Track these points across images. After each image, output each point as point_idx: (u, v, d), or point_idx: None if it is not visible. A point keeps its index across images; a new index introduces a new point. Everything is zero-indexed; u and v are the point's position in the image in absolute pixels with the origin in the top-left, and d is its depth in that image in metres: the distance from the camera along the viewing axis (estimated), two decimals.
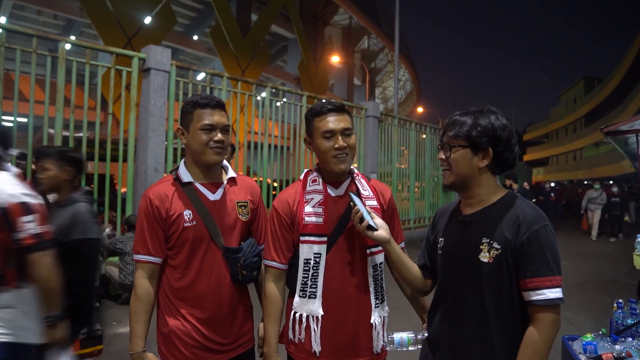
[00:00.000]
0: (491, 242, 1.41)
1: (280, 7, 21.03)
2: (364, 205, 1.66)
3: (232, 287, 1.80)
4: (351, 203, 1.63)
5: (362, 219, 1.58)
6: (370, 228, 1.58)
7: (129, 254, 5.25)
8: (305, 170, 1.89)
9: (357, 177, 1.85)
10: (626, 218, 13.34)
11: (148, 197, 1.76)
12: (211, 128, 1.74)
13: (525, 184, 11.28)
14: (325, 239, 1.72)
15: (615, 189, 13.50)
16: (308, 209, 1.74)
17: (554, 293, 1.33)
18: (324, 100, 1.86)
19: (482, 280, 1.41)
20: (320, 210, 1.74)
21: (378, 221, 1.62)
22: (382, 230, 1.60)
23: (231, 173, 1.90)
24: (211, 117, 1.74)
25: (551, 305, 1.34)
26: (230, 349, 1.81)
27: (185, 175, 1.79)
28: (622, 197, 13.73)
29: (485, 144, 1.43)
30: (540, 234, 1.37)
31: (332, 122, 1.72)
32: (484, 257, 1.41)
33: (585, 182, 26.19)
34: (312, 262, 1.71)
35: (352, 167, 1.87)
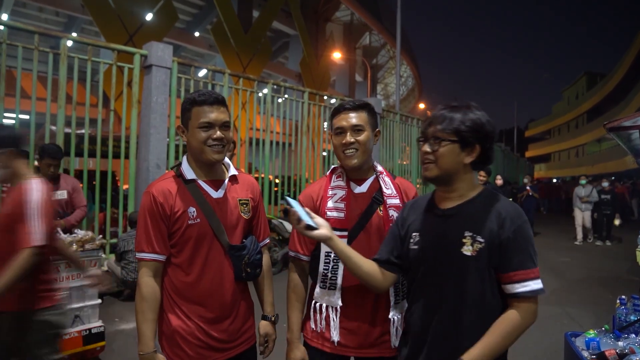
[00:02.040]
0: (474, 235, 1.41)
1: (282, 4, 20.95)
2: (303, 206, 1.63)
3: (235, 285, 1.81)
4: (288, 206, 1.60)
5: (299, 220, 1.55)
6: (309, 227, 1.55)
7: (132, 251, 5.25)
8: (333, 166, 1.94)
9: (381, 175, 1.86)
10: (616, 221, 11.09)
11: (152, 193, 1.72)
12: (209, 126, 1.70)
13: (498, 179, 9.37)
14: (346, 233, 1.77)
15: (605, 184, 11.52)
16: (330, 204, 1.80)
17: (537, 284, 1.38)
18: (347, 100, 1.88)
19: (465, 273, 1.42)
20: (342, 205, 1.79)
21: (319, 220, 1.59)
22: (323, 229, 1.56)
23: (232, 171, 1.89)
24: (209, 114, 1.70)
25: (534, 296, 1.38)
26: (233, 347, 1.82)
27: (189, 172, 1.78)
28: (613, 194, 11.53)
29: (474, 140, 1.45)
30: (523, 228, 1.42)
31: (344, 119, 1.79)
32: (467, 250, 1.41)
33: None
34: (332, 254, 1.76)
35: (376, 164, 1.90)
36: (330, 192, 1.82)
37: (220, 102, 1.74)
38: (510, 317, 1.38)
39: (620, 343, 2.48)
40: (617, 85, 35.06)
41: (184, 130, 1.77)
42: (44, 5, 19.62)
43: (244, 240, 1.84)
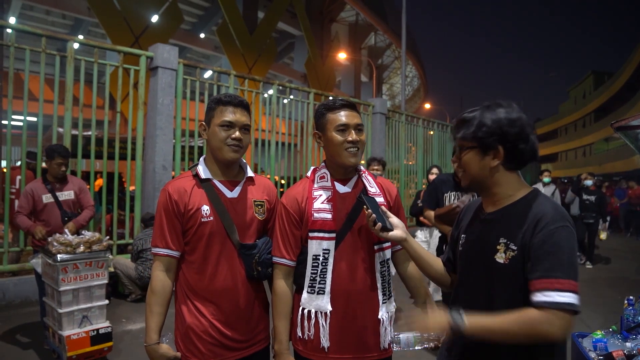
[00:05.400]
0: (508, 242, 1.34)
1: (287, 4, 20.97)
2: (378, 206, 1.67)
3: (248, 284, 1.82)
4: (364, 206, 1.64)
5: (375, 222, 1.58)
6: (385, 229, 1.58)
7: (149, 250, 5.30)
8: (312, 167, 1.91)
9: (363, 175, 1.85)
10: (602, 235, 8.27)
11: (167, 191, 1.78)
12: (230, 125, 1.76)
13: (432, 174, 6.09)
14: (334, 235, 1.73)
15: (588, 182, 8.62)
16: (317, 205, 1.76)
17: (563, 297, 1.21)
18: (338, 97, 1.87)
19: (495, 281, 1.36)
20: (328, 206, 1.75)
21: (394, 220, 1.62)
22: (398, 230, 1.59)
23: (249, 172, 1.92)
24: (232, 114, 1.77)
25: (557, 309, 1.21)
26: (246, 347, 1.83)
27: (204, 172, 1.82)
28: (600, 195, 8.59)
29: (494, 142, 1.37)
30: (555, 234, 1.27)
31: (346, 116, 1.76)
32: (500, 257, 1.35)
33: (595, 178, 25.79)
34: (320, 258, 1.73)
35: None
36: (315, 194, 1.78)
37: (244, 106, 1.82)
38: (529, 311, 1.24)
39: (628, 344, 2.47)
40: (625, 84, 34.77)
41: (206, 128, 1.82)
42: (51, 8, 19.75)
43: (256, 240, 1.85)
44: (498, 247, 1.37)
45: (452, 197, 3.61)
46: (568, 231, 1.29)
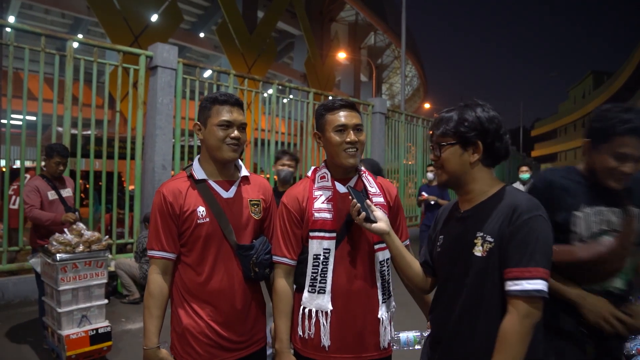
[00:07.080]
0: (484, 235, 1.38)
1: (287, 4, 20.95)
2: (364, 198, 1.68)
3: (245, 285, 1.81)
4: (350, 197, 1.65)
5: (359, 212, 1.59)
6: (368, 220, 1.59)
7: None
8: (313, 167, 1.91)
9: (364, 175, 1.86)
10: None
11: (162, 193, 1.77)
12: (228, 124, 1.75)
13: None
14: (334, 234, 1.74)
15: None
16: (317, 205, 1.76)
17: (532, 285, 1.27)
18: (337, 97, 1.87)
19: (476, 275, 1.38)
20: (329, 206, 1.76)
21: (377, 214, 1.64)
22: (381, 223, 1.61)
23: (244, 172, 1.91)
24: (229, 114, 1.76)
25: (526, 296, 1.28)
26: (243, 347, 1.82)
27: (199, 172, 1.81)
28: None
29: (474, 137, 1.42)
30: (529, 223, 1.31)
31: (345, 116, 1.76)
32: (478, 251, 1.38)
33: None
34: (321, 257, 1.73)
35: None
36: (315, 193, 1.79)
37: (240, 104, 1.83)
38: (501, 332, 1.30)
39: (627, 344, 2.47)
40: (624, 84, 34.83)
41: (201, 128, 1.81)
42: (50, 7, 19.71)
43: (253, 241, 1.84)
44: (475, 241, 1.40)
45: (594, 219, 1.73)
46: (542, 220, 1.33)
